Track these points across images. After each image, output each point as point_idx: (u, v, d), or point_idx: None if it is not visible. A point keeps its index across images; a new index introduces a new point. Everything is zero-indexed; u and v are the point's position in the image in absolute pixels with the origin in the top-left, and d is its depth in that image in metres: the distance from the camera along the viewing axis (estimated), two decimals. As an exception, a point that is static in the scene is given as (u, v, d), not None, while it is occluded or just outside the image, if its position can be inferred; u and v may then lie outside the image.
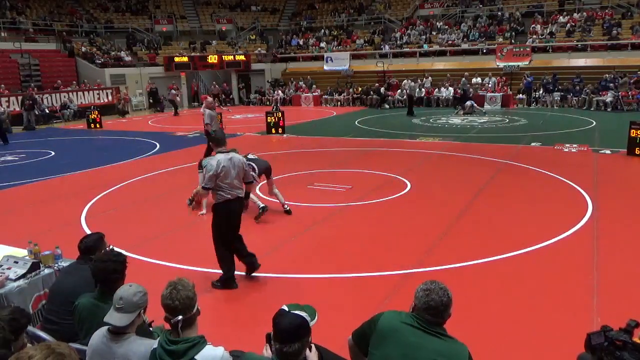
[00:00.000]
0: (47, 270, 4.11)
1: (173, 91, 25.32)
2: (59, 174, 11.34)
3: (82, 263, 3.67)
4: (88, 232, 7.13)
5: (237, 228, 5.51)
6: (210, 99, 12.23)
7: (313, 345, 2.37)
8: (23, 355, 1.74)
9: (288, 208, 7.91)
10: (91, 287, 3.42)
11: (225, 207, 5.33)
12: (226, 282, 5.41)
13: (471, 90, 22.41)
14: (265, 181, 8.03)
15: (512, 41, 25.34)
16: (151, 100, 26.86)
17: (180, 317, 2.47)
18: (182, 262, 6.04)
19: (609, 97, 20.22)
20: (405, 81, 24.47)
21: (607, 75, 21.25)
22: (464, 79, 22.70)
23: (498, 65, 24.38)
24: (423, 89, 24.31)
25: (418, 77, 24.77)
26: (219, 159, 5.25)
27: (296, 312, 2.31)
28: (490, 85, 23.30)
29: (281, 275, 5.67)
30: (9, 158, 13.72)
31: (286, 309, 2.33)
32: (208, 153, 10.85)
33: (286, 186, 9.67)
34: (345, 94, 26.24)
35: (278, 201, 7.96)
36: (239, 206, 5.43)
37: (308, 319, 2.33)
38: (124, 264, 3.23)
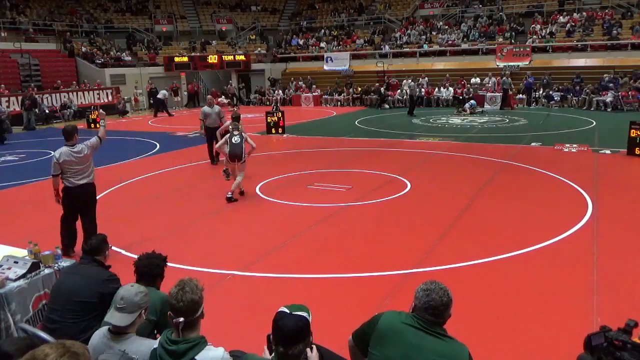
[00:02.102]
0: (47, 270, 4.11)
1: (164, 91, 24.49)
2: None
3: (86, 263, 3.69)
4: (88, 232, 7.13)
5: (82, 211, 6.33)
6: (209, 96, 13.04)
7: (314, 346, 2.38)
8: (39, 353, 1.76)
9: (231, 196, 8.64)
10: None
11: (67, 192, 6.18)
12: (64, 250, 5.90)
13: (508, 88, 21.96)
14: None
15: (512, 41, 25.34)
16: (151, 101, 26.86)
17: (181, 320, 2.47)
18: (182, 262, 6.04)
19: (609, 97, 20.22)
20: (405, 81, 24.42)
21: (605, 75, 21.23)
22: (504, 78, 22.10)
23: (498, 65, 24.37)
24: (422, 89, 24.29)
25: (418, 77, 24.70)
26: (61, 152, 6.03)
27: (297, 313, 2.32)
28: (490, 85, 23.30)
29: (281, 275, 5.67)
30: (9, 158, 13.73)
31: (286, 310, 2.33)
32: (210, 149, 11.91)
33: (286, 186, 9.69)
34: (345, 94, 26.24)
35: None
36: (80, 193, 6.19)
37: (309, 318, 2.33)
38: (165, 261, 3.54)
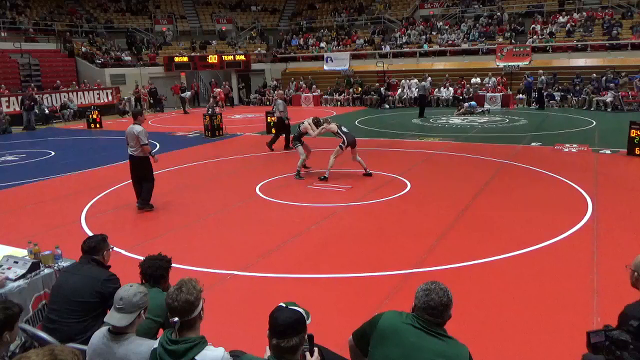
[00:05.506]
0: (47, 270, 4.10)
1: (188, 92, 26.23)
2: (59, 174, 11.34)
3: (85, 263, 3.69)
4: (88, 232, 7.14)
5: (136, 176, 8.17)
6: (281, 91, 15.08)
7: (316, 348, 2.38)
8: (25, 358, 1.75)
9: (369, 172, 10.04)
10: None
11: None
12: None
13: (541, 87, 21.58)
14: (350, 150, 10.03)
15: (512, 41, 25.33)
16: (151, 101, 26.86)
17: (176, 319, 2.49)
18: (182, 262, 6.03)
19: (609, 97, 20.22)
20: (414, 81, 24.17)
21: (594, 75, 21.20)
22: (539, 77, 21.70)
23: (498, 65, 24.35)
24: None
25: (426, 77, 24.48)
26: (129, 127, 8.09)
27: (293, 307, 2.33)
28: (490, 85, 23.28)
29: (281, 275, 5.67)
30: (9, 158, 13.72)
31: (284, 305, 2.35)
32: (287, 138, 13.50)
33: (286, 186, 9.69)
34: (345, 94, 26.24)
35: (361, 166, 10.08)
36: (131, 161, 8.12)
37: (307, 317, 2.34)
38: (169, 263, 3.58)
